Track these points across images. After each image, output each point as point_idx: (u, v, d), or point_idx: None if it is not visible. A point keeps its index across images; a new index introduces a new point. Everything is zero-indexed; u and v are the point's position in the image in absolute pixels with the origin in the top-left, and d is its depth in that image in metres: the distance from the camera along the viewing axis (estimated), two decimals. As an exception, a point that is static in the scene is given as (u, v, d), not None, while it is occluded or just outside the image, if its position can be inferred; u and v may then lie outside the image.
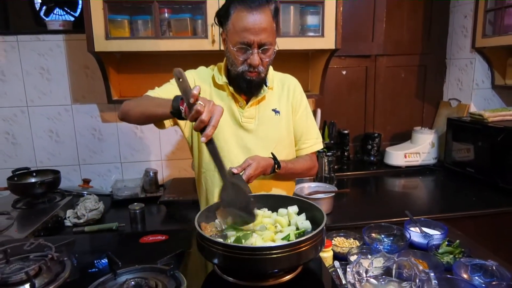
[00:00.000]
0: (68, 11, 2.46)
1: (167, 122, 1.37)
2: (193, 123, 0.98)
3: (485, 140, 2.26)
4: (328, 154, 2.35)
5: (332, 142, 2.64)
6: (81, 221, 1.89)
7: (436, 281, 0.82)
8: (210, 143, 1.00)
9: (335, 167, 2.51)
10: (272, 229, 0.97)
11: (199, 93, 0.95)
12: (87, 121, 2.33)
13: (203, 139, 0.97)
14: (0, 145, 2.28)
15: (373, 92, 2.84)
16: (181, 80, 0.94)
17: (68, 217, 1.92)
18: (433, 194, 2.37)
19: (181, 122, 1.43)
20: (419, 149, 2.67)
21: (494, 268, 1.02)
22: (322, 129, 2.61)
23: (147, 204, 2.02)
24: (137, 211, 1.84)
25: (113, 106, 2.30)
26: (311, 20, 2.02)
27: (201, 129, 0.97)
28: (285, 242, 0.84)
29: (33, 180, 2.04)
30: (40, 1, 2.42)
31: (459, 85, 2.75)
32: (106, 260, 0.97)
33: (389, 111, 2.88)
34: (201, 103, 0.95)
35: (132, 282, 0.84)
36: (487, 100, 2.67)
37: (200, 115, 0.94)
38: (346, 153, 2.79)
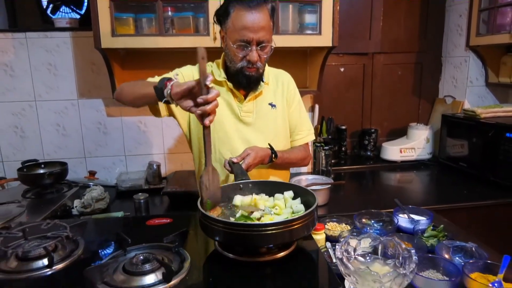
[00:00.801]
0: (74, 9, 2.54)
1: (163, 111, 1.42)
2: (195, 112, 1.02)
3: (477, 136, 2.34)
4: (325, 148, 2.43)
5: (330, 137, 2.72)
6: (88, 210, 1.97)
7: (416, 257, 0.91)
8: (208, 129, 1.05)
9: (332, 161, 2.59)
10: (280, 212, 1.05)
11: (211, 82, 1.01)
12: (93, 115, 2.41)
13: (207, 122, 1.02)
14: (9, 138, 2.36)
15: (370, 89, 2.91)
16: (203, 59, 0.99)
17: (75, 206, 2.00)
18: (426, 187, 2.46)
19: (177, 115, 1.49)
20: (414, 144, 2.75)
21: (473, 249, 1.11)
22: (320, 124, 2.69)
23: (151, 195, 2.10)
24: (142, 201, 1.93)
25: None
26: (309, 18, 2.10)
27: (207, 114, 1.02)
28: (279, 220, 0.92)
29: (41, 171, 2.12)
30: (46, 0, 2.50)
31: (454, 83, 2.83)
32: (115, 242, 1.05)
33: (386, 108, 2.96)
34: (214, 90, 1.01)
35: (141, 257, 0.92)
36: (481, 97, 2.75)
37: (211, 100, 1.00)
38: (343, 148, 2.87)
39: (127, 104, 1.40)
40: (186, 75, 1.49)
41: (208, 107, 1.01)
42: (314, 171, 2.51)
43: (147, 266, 0.89)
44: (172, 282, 0.86)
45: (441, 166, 2.67)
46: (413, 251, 0.92)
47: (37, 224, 1.07)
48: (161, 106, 1.40)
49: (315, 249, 1.02)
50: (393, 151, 2.75)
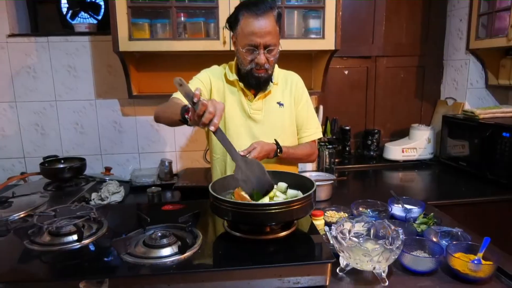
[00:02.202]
0: (92, 14, 2.70)
1: None
2: (201, 122, 1.09)
3: (476, 136, 2.43)
4: (329, 147, 2.54)
5: (334, 137, 2.83)
6: (105, 202, 2.10)
7: (403, 236, 1.01)
8: (218, 132, 1.14)
9: (336, 160, 2.70)
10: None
11: (201, 93, 1.10)
12: (109, 115, 2.55)
13: (212, 128, 1.10)
14: (31, 136, 2.52)
15: (374, 91, 3.02)
16: (181, 85, 1.08)
17: (93, 199, 2.14)
18: (426, 185, 2.55)
19: None
20: (416, 144, 2.85)
21: (459, 233, 1.21)
22: (324, 125, 2.80)
23: (163, 190, 2.24)
24: (155, 194, 2.06)
25: (132, 101, 2.53)
26: (313, 23, 2.22)
27: (209, 121, 1.10)
28: (280, 201, 1.04)
29: (61, 166, 2.27)
30: (67, 6, 2.67)
31: (454, 85, 2.92)
32: (135, 223, 1.17)
33: (388, 109, 3.06)
34: (204, 100, 1.10)
35: (159, 233, 1.04)
36: (481, 99, 2.83)
37: (205, 108, 1.08)
38: (347, 148, 2.98)
39: (165, 125, 1.53)
40: (204, 80, 1.62)
41: (203, 118, 1.08)
42: (318, 169, 2.62)
43: (165, 241, 1.01)
44: (186, 254, 0.98)
45: (442, 166, 2.76)
46: (400, 230, 1.02)
47: (66, 206, 1.20)
48: None
49: (314, 231, 1.13)
50: (396, 151, 2.85)
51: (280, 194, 1.19)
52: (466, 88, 2.80)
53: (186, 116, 1.20)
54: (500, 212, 2.12)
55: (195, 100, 1.08)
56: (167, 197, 2.31)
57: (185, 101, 1.32)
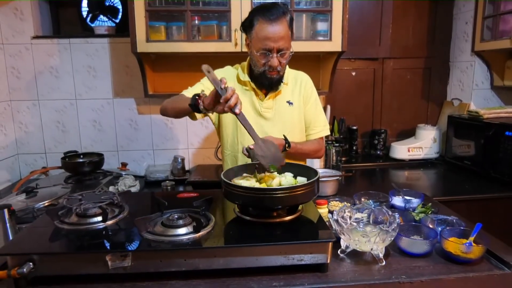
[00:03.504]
0: (111, 18, 2.84)
1: (198, 115, 1.67)
2: (226, 110, 1.28)
3: (480, 135, 2.49)
4: (335, 145, 2.63)
5: (341, 136, 2.91)
6: (122, 194, 2.23)
7: (399, 220, 1.10)
8: (241, 115, 1.32)
9: (343, 159, 2.79)
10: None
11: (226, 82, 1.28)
12: (126, 113, 2.68)
13: (237, 110, 1.28)
14: (52, 132, 2.66)
15: (381, 92, 3.10)
16: (209, 72, 1.25)
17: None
18: (432, 183, 2.62)
19: (209, 114, 1.74)
20: (422, 144, 2.91)
21: (454, 221, 1.29)
22: (332, 124, 2.89)
23: (176, 184, 2.35)
24: (169, 187, 2.17)
25: (148, 100, 2.66)
26: (321, 26, 2.32)
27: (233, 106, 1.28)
28: (286, 186, 1.14)
29: (81, 160, 2.40)
30: (87, 10, 2.81)
31: (460, 86, 2.98)
32: (153, 207, 1.28)
33: (395, 110, 3.13)
34: (231, 87, 1.26)
35: (176, 216, 1.15)
36: (487, 100, 2.89)
37: (233, 92, 1.26)
38: (354, 147, 3.06)
39: (172, 117, 1.70)
40: (208, 83, 1.73)
41: (231, 101, 1.26)
42: (326, 166, 2.71)
43: (181, 221, 1.12)
44: (200, 233, 1.09)
45: (447, 165, 2.82)
46: (397, 215, 1.11)
47: (91, 192, 1.32)
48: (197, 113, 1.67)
49: (317, 216, 1.23)
50: (401, 149, 2.92)
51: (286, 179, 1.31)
52: (472, 89, 2.86)
53: (199, 101, 1.34)
54: (503, 209, 2.18)
55: (222, 86, 1.25)
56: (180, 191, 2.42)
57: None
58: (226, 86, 1.26)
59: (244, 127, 1.33)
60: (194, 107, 1.39)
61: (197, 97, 1.38)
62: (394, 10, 2.92)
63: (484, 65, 2.82)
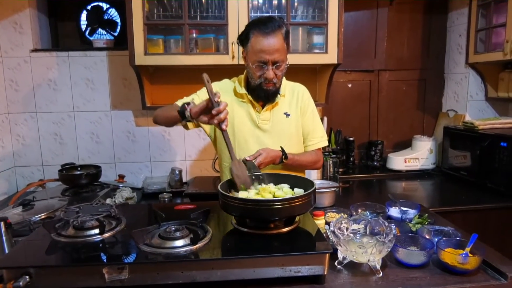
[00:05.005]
0: (109, 31, 2.87)
1: (190, 124, 1.68)
2: (213, 122, 1.34)
3: (476, 146, 2.51)
4: (332, 156, 2.65)
5: (338, 148, 2.93)
6: (119, 207, 2.22)
7: (395, 231, 1.11)
8: (225, 132, 1.38)
9: (340, 170, 2.80)
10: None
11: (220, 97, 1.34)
12: (123, 125, 2.69)
13: (224, 126, 1.33)
14: (49, 144, 2.66)
15: (377, 103, 3.13)
16: (208, 82, 1.29)
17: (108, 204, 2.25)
18: (428, 193, 2.63)
19: (203, 125, 1.76)
20: (418, 154, 2.93)
21: (450, 231, 1.30)
22: (328, 136, 2.90)
23: (173, 196, 2.35)
24: (166, 199, 2.17)
25: (145, 112, 2.67)
26: (317, 39, 2.35)
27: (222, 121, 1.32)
28: (283, 197, 1.15)
29: (78, 172, 2.40)
30: (86, 23, 2.85)
31: (455, 97, 3.02)
32: (151, 220, 1.28)
33: (391, 121, 3.16)
34: (223, 102, 1.30)
35: (173, 228, 1.15)
36: (482, 111, 2.92)
37: (225, 107, 1.32)
38: (351, 159, 3.07)
39: (163, 125, 1.75)
40: (204, 96, 1.75)
41: (221, 115, 1.33)
42: (323, 178, 2.71)
43: (178, 233, 1.12)
44: (197, 245, 1.09)
45: (444, 175, 2.84)
46: (393, 226, 1.12)
47: (89, 204, 1.32)
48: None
49: (314, 228, 1.23)
50: (398, 161, 2.93)
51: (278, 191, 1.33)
52: (467, 101, 2.90)
53: (186, 107, 1.40)
54: (499, 219, 2.19)
55: (216, 99, 1.30)
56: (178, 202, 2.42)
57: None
58: (220, 100, 1.31)
59: (226, 143, 1.39)
60: (182, 113, 1.44)
61: (186, 105, 1.43)
62: (389, 23, 2.97)
63: (478, 77, 2.86)
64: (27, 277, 0.99)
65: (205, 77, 1.30)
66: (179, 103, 1.67)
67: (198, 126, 1.74)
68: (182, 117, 1.45)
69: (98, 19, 2.82)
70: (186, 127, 1.70)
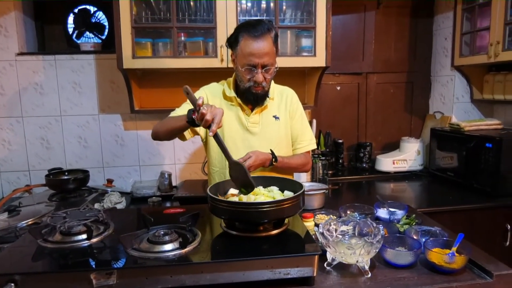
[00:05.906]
0: (97, 34, 2.85)
1: (187, 135, 1.70)
2: (202, 124, 1.29)
3: (462, 147, 2.55)
4: (321, 158, 2.66)
5: (327, 150, 2.95)
6: (107, 212, 2.20)
7: (383, 232, 1.12)
8: (216, 137, 1.33)
9: (330, 172, 2.82)
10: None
11: (203, 102, 1.29)
12: (111, 129, 2.67)
13: (210, 133, 1.29)
14: (36, 149, 2.62)
15: (365, 105, 3.16)
16: (188, 94, 1.28)
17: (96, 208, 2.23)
18: (416, 194, 2.66)
19: (198, 130, 1.76)
20: (406, 156, 2.97)
21: (437, 231, 1.32)
22: (318, 138, 2.92)
23: (163, 200, 2.33)
24: (156, 203, 2.16)
25: (134, 116, 2.65)
26: (305, 42, 2.37)
27: (208, 127, 1.29)
28: (272, 200, 1.15)
29: (66, 177, 2.37)
30: (73, 27, 2.82)
31: (442, 100, 3.07)
32: (139, 224, 1.27)
33: (380, 123, 3.19)
34: (205, 107, 1.28)
35: (162, 232, 1.14)
36: (467, 113, 2.97)
37: (204, 116, 1.27)
38: (340, 160, 3.09)
39: (164, 139, 1.71)
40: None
41: (202, 124, 1.30)
42: (312, 180, 2.72)
43: (167, 237, 1.11)
44: (187, 249, 1.08)
45: (431, 176, 2.88)
46: (381, 227, 1.13)
47: (76, 209, 1.31)
48: (186, 132, 1.68)
49: (303, 230, 1.24)
50: (387, 162, 2.96)
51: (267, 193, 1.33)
52: (453, 103, 2.95)
53: (193, 116, 1.35)
54: (485, 219, 2.23)
55: (197, 108, 1.26)
56: (167, 207, 2.41)
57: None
58: (199, 107, 1.28)
59: (220, 148, 1.36)
60: (191, 121, 1.39)
61: (192, 112, 1.38)
62: (376, 26, 3.00)
63: (464, 79, 2.91)
64: (13, 284, 0.97)
65: (185, 90, 1.27)
66: (175, 114, 1.68)
67: (195, 135, 1.75)
68: (193, 125, 1.41)
69: (85, 22, 2.80)
70: (182, 139, 1.71)
